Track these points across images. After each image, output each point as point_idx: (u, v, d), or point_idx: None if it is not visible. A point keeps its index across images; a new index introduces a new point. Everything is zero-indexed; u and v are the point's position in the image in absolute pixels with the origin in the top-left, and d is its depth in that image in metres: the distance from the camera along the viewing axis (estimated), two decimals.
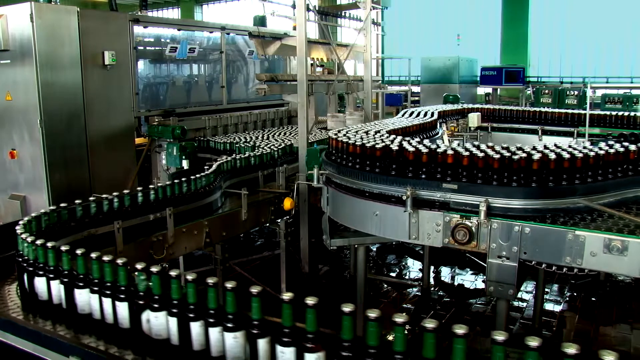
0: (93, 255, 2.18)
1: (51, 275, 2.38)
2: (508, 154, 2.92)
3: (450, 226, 2.95)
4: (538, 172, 2.85)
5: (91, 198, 3.16)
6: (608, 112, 6.65)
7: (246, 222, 4.41)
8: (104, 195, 3.24)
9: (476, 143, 3.35)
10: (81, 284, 2.26)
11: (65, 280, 2.32)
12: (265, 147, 5.55)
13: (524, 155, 2.90)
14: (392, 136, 3.74)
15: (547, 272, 3.05)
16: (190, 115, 7.24)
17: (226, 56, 7.99)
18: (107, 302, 2.18)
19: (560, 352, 1.33)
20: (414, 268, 6.66)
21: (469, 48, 15.95)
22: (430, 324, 1.46)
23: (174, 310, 1.96)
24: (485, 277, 3.53)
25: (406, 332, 1.54)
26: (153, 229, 3.50)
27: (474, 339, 4.77)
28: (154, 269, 1.99)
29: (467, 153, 3.00)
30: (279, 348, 1.71)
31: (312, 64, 7.34)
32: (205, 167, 4.35)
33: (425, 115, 5.69)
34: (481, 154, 2.96)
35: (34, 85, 5.46)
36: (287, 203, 4.60)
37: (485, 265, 2.94)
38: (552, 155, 2.88)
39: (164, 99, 7.23)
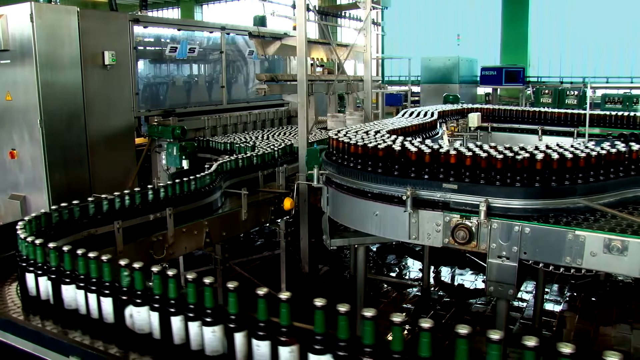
0: (79, 252, 2.23)
1: (52, 276, 2.38)
2: (508, 154, 2.92)
3: (450, 226, 2.95)
4: (538, 172, 2.85)
5: (91, 198, 3.16)
6: (608, 112, 6.64)
7: (246, 222, 4.41)
8: (104, 195, 3.24)
9: (478, 143, 3.34)
10: (67, 280, 2.31)
11: (53, 276, 2.36)
12: (265, 147, 5.55)
13: (524, 155, 2.90)
14: (392, 136, 3.74)
15: (547, 272, 3.05)
16: (190, 115, 7.24)
17: (226, 56, 7.99)
18: (92, 297, 2.23)
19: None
20: (414, 268, 6.66)
21: (469, 48, 15.94)
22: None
23: (156, 306, 2.01)
24: (485, 277, 3.53)
25: (406, 332, 1.54)
26: (153, 229, 3.50)
27: (474, 339, 4.77)
28: (136, 265, 2.04)
29: (468, 153, 3.00)
30: (254, 342, 1.76)
31: (312, 64, 7.34)
32: (206, 167, 4.36)
33: (425, 115, 5.69)
34: (481, 154, 2.96)
35: (34, 85, 5.46)
36: (287, 203, 4.60)
37: (485, 265, 2.94)
38: (553, 155, 2.88)
39: (164, 99, 7.23)
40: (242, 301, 1.84)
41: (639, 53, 14.20)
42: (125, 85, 6.33)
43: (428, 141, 3.46)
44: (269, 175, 5.15)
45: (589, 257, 2.60)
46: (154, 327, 2.04)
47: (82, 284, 2.25)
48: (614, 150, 3.06)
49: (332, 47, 6.60)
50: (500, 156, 2.89)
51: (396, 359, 1.53)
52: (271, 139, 6.34)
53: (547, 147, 3.18)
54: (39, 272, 2.43)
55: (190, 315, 1.92)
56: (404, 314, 5.32)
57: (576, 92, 12.64)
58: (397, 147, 3.22)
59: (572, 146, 3.20)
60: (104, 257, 2.16)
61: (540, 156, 2.86)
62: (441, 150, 3.10)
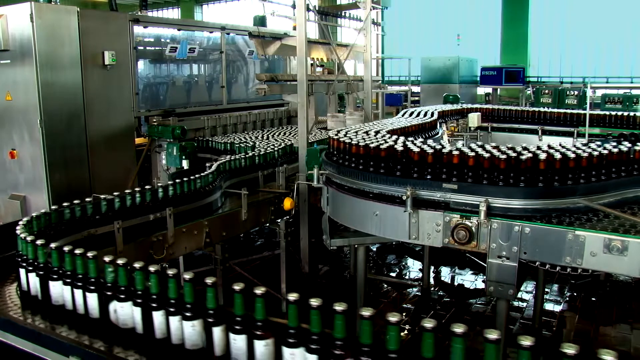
0: (65, 249, 2.29)
1: (54, 276, 2.38)
2: (508, 154, 2.92)
3: (450, 226, 2.95)
4: (538, 172, 2.85)
5: (91, 198, 3.16)
6: (608, 112, 6.64)
7: (246, 222, 4.41)
8: (104, 196, 3.24)
9: (478, 143, 3.34)
10: (55, 277, 2.37)
11: (54, 276, 2.38)
12: (265, 147, 5.55)
13: (524, 155, 2.90)
14: (392, 136, 3.74)
15: (547, 272, 3.05)
16: (190, 115, 7.24)
17: (226, 56, 7.99)
18: (78, 293, 2.29)
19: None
20: (414, 268, 6.66)
21: (469, 48, 15.94)
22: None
23: (138, 301, 2.07)
24: (485, 277, 3.53)
25: (406, 331, 1.54)
26: (153, 229, 3.49)
27: (474, 338, 4.77)
28: (120, 262, 2.09)
29: (468, 153, 3.00)
30: (231, 335, 1.83)
31: (312, 64, 7.33)
32: (206, 167, 4.35)
33: (425, 115, 5.69)
34: (481, 154, 2.96)
35: (34, 85, 5.46)
36: (287, 203, 4.60)
37: (485, 265, 2.94)
38: (552, 155, 2.88)
39: (164, 99, 7.23)
40: (244, 301, 1.84)
41: (639, 53, 14.20)
42: (125, 85, 6.33)
43: (428, 141, 3.46)
44: (269, 175, 5.15)
45: (589, 257, 2.60)
46: (136, 321, 2.10)
47: (68, 280, 2.31)
48: (614, 150, 3.06)
49: (332, 47, 6.60)
50: (501, 156, 2.89)
51: (365, 352, 1.57)
52: (271, 139, 6.34)
53: (549, 146, 3.18)
54: (39, 272, 2.43)
55: (171, 310, 1.98)
56: (398, 313, 5.32)
57: (576, 92, 12.64)
58: (397, 147, 3.22)
59: (573, 146, 3.20)
60: (90, 254, 2.21)
61: (540, 156, 2.86)
62: (441, 150, 3.10)
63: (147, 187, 3.54)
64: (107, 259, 2.13)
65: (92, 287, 2.22)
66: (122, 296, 2.11)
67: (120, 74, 6.24)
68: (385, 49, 15.07)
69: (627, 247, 2.50)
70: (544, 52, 15.62)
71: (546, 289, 5.56)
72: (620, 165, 3.06)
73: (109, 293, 2.16)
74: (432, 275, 6.15)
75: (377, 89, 9.73)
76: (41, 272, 2.42)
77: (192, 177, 3.85)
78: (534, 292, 5.33)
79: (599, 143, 3.26)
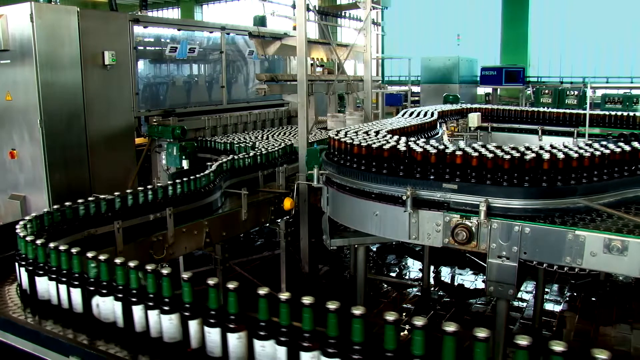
0: (51, 245, 2.36)
1: (52, 276, 2.39)
2: (508, 154, 2.92)
3: (450, 226, 2.95)
4: (538, 172, 2.85)
5: (91, 198, 3.16)
6: (608, 112, 6.64)
7: (246, 222, 4.41)
8: (104, 196, 3.24)
9: (480, 143, 3.34)
10: (41, 272, 2.43)
11: (53, 275, 2.42)
12: (265, 147, 5.55)
13: (524, 155, 2.90)
14: (392, 136, 3.74)
15: (547, 272, 3.05)
16: (190, 115, 7.24)
17: (226, 56, 7.99)
18: (62, 288, 2.37)
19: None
20: (414, 268, 6.65)
21: (469, 48, 15.94)
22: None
23: (119, 295, 2.15)
24: (485, 277, 3.53)
25: (406, 331, 1.55)
26: (153, 229, 3.50)
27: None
28: (102, 257, 2.17)
29: (468, 153, 3.00)
30: (206, 329, 1.90)
31: (312, 64, 7.33)
32: (206, 167, 4.35)
33: (425, 115, 5.69)
34: (480, 154, 2.96)
35: (34, 85, 5.46)
36: (287, 203, 4.60)
37: (485, 265, 2.94)
38: (552, 155, 2.88)
39: (164, 99, 7.23)
40: (243, 301, 1.88)
41: (639, 53, 14.20)
42: (125, 85, 6.33)
43: (425, 141, 3.46)
44: (269, 175, 5.15)
45: (589, 257, 2.60)
46: (117, 315, 2.18)
47: (53, 276, 2.37)
48: (614, 150, 3.06)
49: (332, 47, 6.60)
50: (501, 156, 2.89)
51: (332, 344, 1.63)
52: (271, 139, 6.34)
53: (552, 146, 3.18)
54: (39, 271, 2.44)
55: (150, 304, 2.05)
56: (394, 312, 5.32)
57: (576, 92, 12.63)
58: (397, 147, 3.22)
59: (571, 146, 3.20)
60: (74, 250, 2.28)
61: (540, 156, 2.86)
62: (441, 150, 3.10)
63: (147, 187, 3.54)
64: (90, 254, 2.20)
65: (76, 283, 2.30)
66: (104, 291, 2.18)
67: (120, 74, 6.24)
68: (385, 49, 15.06)
69: (627, 247, 2.50)
70: (544, 52, 15.62)
71: (546, 289, 5.56)
72: (620, 165, 3.06)
73: (91, 288, 2.24)
74: (432, 275, 6.15)
75: (377, 89, 9.73)
76: (41, 272, 2.43)
77: (192, 177, 3.85)
78: (534, 292, 5.33)
79: (600, 143, 3.26)
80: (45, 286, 2.43)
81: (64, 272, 2.33)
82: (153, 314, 2.05)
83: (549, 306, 5.38)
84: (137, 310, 2.10)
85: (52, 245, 2.35)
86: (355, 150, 3.43)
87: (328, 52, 7.22)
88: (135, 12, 7.59)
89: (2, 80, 5.73)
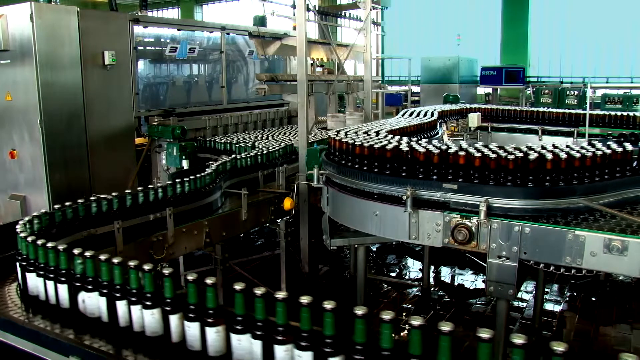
0: (39, 242, 2.42)
1: (51, 275, 2.39)
2: (508, 154, 2.92)
3: (450, 226, 2.95)
4: (538, 172, 2.85)
5: (91, 198, 3.16)
6: (608, 112, 6.64)
7: (246, 222, 4.41)
8: (104, 195, 3.24)
9: (481, 143, 3.34)
10: (51, 275, 2.43)
11: (51, 275, 2.43)
12: (265, 147, 5.55)
13: (524, 155, 2.90)
14: (393, 136, 3.74)
15: (547, 272, 3.05)
16: (190, 115, 7.24)
17: (226, 56, 7.99)
18: (50, 284, 2.42)
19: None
20: (414, 268, 6.66)
21: (469, 48, 15.94)
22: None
23: (104, 291, 2.20)
24: (485, 277, 3.53)
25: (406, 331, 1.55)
26: (153, 229, 3.49)
27: (473, 339, 4.77)
28: (87, 254, 2.22)
29: (466, 153, 3.00)
30: (186, 323, 1.96)
31: (312, 64, 7.33)
32: (206, 167, 4.35)
33: (425, 115, 5.69)
34: (481, 154, 2.96)
35: (34, 85, 5.46)
36: (287, 203, 4.60)
37: (485, 265, 2.94)
38: (552, 155, 2.88)
39: (164, 99, 7.23)
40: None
41: (639, 53, 14.20)
42: (125, 85, 6.32)
43: (427, 141, 3.46)
44: (269, 175, 5.15)
45: (589, 257, 2.60)
46: (102, 311, 2.23)
47: (41, 272, 2.43)
48: (614, 150, 3.06)
49: (332, 47, 6.60)
50: (500, 156, 2.89)
51: (304, 337, 1.68)
52: (271, 139, 6.34)
53: (553, 146, 3.18)
54: (39, 271, 2.44)
55: (133, 299, 2.10)
56: (404, 313, 5.32)
57: (576, 92, 12.63)
58: (397, 147, 3.22)
59: (571, 146, 3.20)
60: (60, 247, 2.33)
61: (540, 156, 2.86)
62: (441, 150, 3.10)
63: (147, 187, 3.54)
64: (76, 251, 2.26)
65: (63, 279, 2.35)
66: (90, 287, 2.24)
67: (120, 74, 6.24)
68: (385, 49, 15.06)
69: (627, 247, 2.50)
70: (544, 52, 15.62)
71: (546, 289, 5.56)
72: (620, 165, 3.06)
73: (77, 284, 2.29)
74: (432, 275, 6.15)
75: (377, 89, 9.73)
76: (41, 272, 2.44)
77: (192, 177, 3.85)
78: (534, 292, 5.33)
79: (600, 143, 3.26)
80: (44, 286, 2.44)
81: (63, 272, 2.34)
82: (136, 309, 2.10)
83: (549, 306, 5.38)
84: (121, 306, 2.15)
85: (50, 245, 2.36)
86: (355, 150, 3.43)
87: (328, 52, 7.22)
88: (135, 12, 7.60)
89: (2, 80, 5.73)
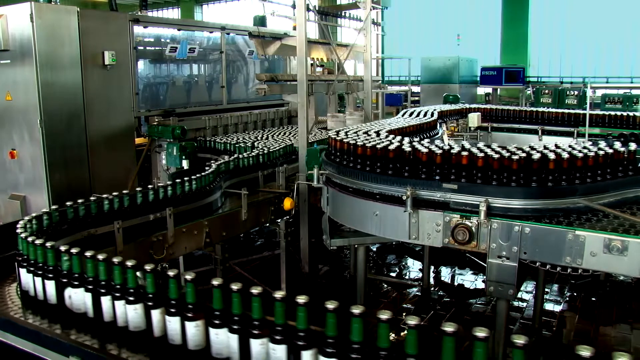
0: (30, 239, 2.47)
1: (50, 275, 2.39)
2: (508, 154, 2.92)
3: (450, 226, 2.95)
4: (538, 172, 2.85)
5: (91, 198, 3.16)
6: (608, 112, 6.64)
7: (246, 222, 4.41)
8: (104, 195, 3.24)
9: (481, 143, 3.34)
10: (50, 275, 2.42)
11: (50, 275, 2.45)
12: (265, 147, 5.55)
13: (524, 155, 2.90)
14: (392, 136, 3.74)
15: (547, 272, 3.05)
16: (190, 115, 7.24)
17: (226, 56, 7.99)
18: (38, 281, 2.47)
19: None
20: (414, 268, 6.66)
21: (469, 48, 15.94)
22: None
23: (89, 287, 2.25)
24: (485, 277, 3.53)
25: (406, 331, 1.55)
26: (153, 229, 3.50)
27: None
28: (73, 251, 2.27)
29: (467, 153, 3.00)
30: (167, 317, 2.01)
31: (312, 64, 7.33)
32: (206, 167, 4.35)
33: (425, 115, 5.69)
34: (481, 154, 2.96)
35: (34, 85, 5.46)
36: (287, 203, 4.60)
37: (485, 265, 2.94)
38: (552, 155, 2.88)
39: (164, 99, 7.23)
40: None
41: (639, 53, 14.20)
42: (125, 85, 6.32)
43: (428, 141, 3.46)
44: (269, 175, 5.15)
45: (589, 257, 2.60)
46: (87, 306, 2.28)
47: (50, 275, 2.42)
48: (614, 150, 3.06)
49: (332, 47, 6.60)
50: (499, 156, 2.89)
51: (278, 331, 1.73)
52: (271, 139, 6.34)
53: (546, 147, 3.18)
54: (39, 271, 2.44)
55: (117, 295, 2.15)
56: (404, 313, 5.32)
57: (576, 92, 12.63)
58: (396, 147, 3.22)
59: (571, 146, 3.20)
60: (48, 244, 2.38)
61: (539, 156, 2.86)
62: (441, 150, 3.10)
63: (147, 187, 3.54)
64: (63, 248, 2.31)
65: (50, 275, 2.40)
66: (76, 283, 2.29)
67: (120, 74, 6.24)
68: (385, 49, 15.06)
69: (627, 247, 2.50)
70: (544, 52, 15.62)
71: (546, 289, 5.56)
72: (620, 165, 3.06)
73: (64, 280, 2.35)
74: (432, 275, 6.15)
75: (377, 89, 9.73)
76: (40, 272, 2.44)
77: (192, 177, 3.85)
78: (534, 292, 5.33)
79: (599, 143, 3.26)
80: (43, 285, 2.45)
81: (64, 272, 2.34)
82: (119, 304, 2.16)
83: (549, 306, 5.38)
84: (105, 301, 2.20)
85: (49, 245, 2.37)
86: (355, 150, 3.43)
87: (328, 52, 7.22)
88: (135, 12, 7.60)
89: (2, 80, 5.73)
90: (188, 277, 1.90)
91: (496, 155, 2.90)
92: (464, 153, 3.00)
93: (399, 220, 3.11)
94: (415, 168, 3.11)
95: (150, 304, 2.07)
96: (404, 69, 13.84)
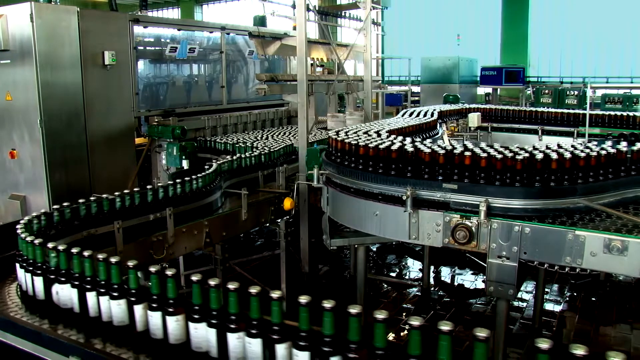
0: (28, 239, 2.48)
1: (50, 276, 2.39)
2: (508, 154, 2.92)
3: (450, 226, 2.95)
4: (538, 172, 2.85)
5: (91, 198, 3.16)
6: (608, 112, 6.64)
7: (246, 222, 4.41)
8: (104, 195, 3.24)
9: (483, 144, 3.34)
10: (52, 276, 2.44)
11: (39, 272, 2.48)
12: (265, 147, 5.55)
13: (524, 155, 2.89)
14: (392, 136, 3.74)
15: (547, 272, 3.05)
16: (190, 115, 7.23)
17: (226, 56, 7.99)
18: (28, 278, 2.51)
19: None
20: (414, 268, 6.66)
21: (469, 48, 15.93)
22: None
23: (75, 283, 2.30)
24: (485, 277, 3.53)
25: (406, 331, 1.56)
26: (153, 229, 3.49)
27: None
28: (60, 247, 2.32)
29: (467, 153, 3.00)
30: (149, 312, 2.07)
31: (312, 64, 7.33)
32: (206, 167, 4.35)
33: (425, 115, 5.69)
34: (481, 154, 2.95)
35: (34, 85, 5.46)
36: (287, 203, 4.59)
37: (485, 265, 2.94)
38: (553, 155, 2.88)
39: (164, 99, 7.23)
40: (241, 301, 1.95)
41: (639, 53, 14.20)
42: (125, 85, 6.32)
43: (428, 141, 3.46)
44: (269, 175, 5.15)
45: (589, 257, 2.60)
46: (73, 302, 2.33)
47: (51, 276, 2.44)
48: (614, 150, 3.06)
49: (332, 47, 6.60)
50: (500, 156, 2.89)
51: (254, 325, 1.79)
52: (271, 139, 6.34)
53: (547, 147, 3.18)
54: (38, 271, 2.44)
55: (101, 290, 2.21)
56: (404, 313, 5.32)
57: (576, 92, 12.63)
58: (397, 147, 3.22)
59: (572, 146, 3.20)
60: (37, 241, 2.44)
61: (540, 156, 2.86)
62: (441, 150, 3.09)
63: (147, 187, 3.54)
64: (50, 245, 2.37)
65: (39, 272, 2.44)
66: (63, 279, 2.35)
67: (120, 74, 6.24)
68: (385, 49, 15.06)
69: (627, 247, 2.50)
70: (544, 52, 15.61)
71: (546, 289, 5.56)
72: (620, 165, 3.06)
73: (51, 276, 2.40)
74: (432, 275, 6.15)
75: (377, 89, 9.72)
76: (39, 272, 2.45)
77: (192, 177, 3.85)
78: (534, 292, 5.33)
79: (599, 143, 3.26)
80: (56, 290, 2.43)
81: (62, 272, 2.36)
82: (104, 300, 2.21)
83: (549, 306, 5.39)
84: (91, 297, 2.25)
85: (50, 245, 2.38)
86: (355, 150, 3.43)
87: (328, 52, 7.22)
88: (135, 12, 7.60)
89: (2, 80, 5.73)
90: (168, 272, 1.96)
91: (499, 156, 2.90)
92: (467, 153, 3.00)
93: (399, 220, 3.11)
94: (415, 168, 3.11)
95: (133, 299, 2.13)
96: (404, 69, 13.84)
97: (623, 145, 3.16)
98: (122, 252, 3.20)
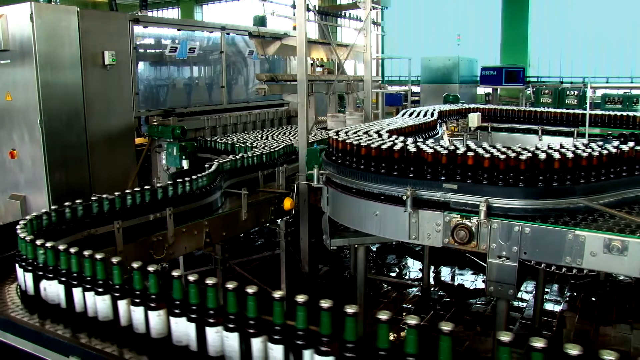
0: (28, 239, 2.50)
1: (50, 275, 2.39)
2: (508, 154, 2.92)
3: (450, 226, 2.95)
4: (538, 172, 2.85)
5: (92, 198, 3.16)
6: (608, 112, 6.64)
7: (246, 222, 4.41)
8: (104, 195, 3.24)
9: (484, 144, 3.34)
10: (50, 275, 2.46)
11: (39, 273, 2.50)
12: (265, 147, 5.55)
13: (524, 155, 2.89)
14: (392, 136, 3.74)
15: (547, 272, 3.05)
16: (190, 116, 7.24)
17: (226, 56, 7.99)
18: (28, 276, 2.54)
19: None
20: (414, 268, 6.66)
21: (469, 48, 15.93)
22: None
23: (62, 279, 2.36)
24: (485, 277, 3.53)
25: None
26: (153, 229, 3.49)
27: (473, 339, 4.78)
28: (48, 244, 2.37)
29: (468, 153, 3.00)
30: (131, 307, 2.13)
31: (312, 64, 7.33)
32: (206, 167, 4.35)
33: (425, 115, 5.69)
34: (481, 154, 2.96)
35: (34, 85, 5.46)
36: (287, 203, 4.59)
37: (485, 265, 2.94)
38: (553, 155, 2.88)
39: (164, 99, 7.23)
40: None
41: (639, 53, 14.20)
42: (125, 86, 6.33)
43: (428, 141, 3.46)
44: (269, 175, 5.15)
45: (589, 257, 2.60)
46: (60, 298, 2.38)
47: (51, 276, 2.45)
48: (613, 150, 3.06)
49: (332, 47, 6.60)
50: (501, 156, 2.89)
51: (232, 320, 1.84)
52: (271, 139, 6.34)
53: (549, 147, 3.18)
54: (38, 272, 2.44)
55: (87, 286, 2.26)
56: (404, 313, 5.32)
57: (576, 92, 12.63)
58: (397, 147, 3.22)
59: (573, 146, 3.20)
60: (28, 238, 2.48)
61: (540, 156, 2.86)
62: (441, 150, 3.09)
63: (147, 187, 3.54)
64: (38, 242, 2.41)
65: (29, 268, 2.50)
66: (50, 275, 2.39)
67: (120, 74, 6.24)
68: (385, 49, 15.06)
69: (627, 247, 2.50)
70: (544, 52, 15.60)
71: (546, 289, 5.56)
72: (620, 165, 3.06)
73: (40, 273, 2.45)
74: (432, 275, 6.15)
75: (377, 89, 9.72)
76: (39, 272, 2.45)
77: (192, 177, 3.85)
78: (534, 292, 5.33)
79: (599, 143, 3.26)
80: (44, 286, 2.46)
81: (63, 272, 2.35)
82: (89, 295, 2.26)
83: (549, 306, 5.39)
84: (77, 292, 2.30)
85: (49, 245, 2.38)
86: (355, 150, 3.43)
87: (328, 52, 7.22)
88: (135, 12, 7.60)
89: (2, 80, 5.73)
90: (150, 268, 2.02)
91: (497, 156, 2.90)
92: (466, 153, 3.00)
93: (399, 220, 3.11)
94: (415, 168, 3.11)
95: (117, 294, 2.18)
96: (404, 69, 13.83)
97: (622, 145, 3.16)
98: (122, 252, 3.20)
